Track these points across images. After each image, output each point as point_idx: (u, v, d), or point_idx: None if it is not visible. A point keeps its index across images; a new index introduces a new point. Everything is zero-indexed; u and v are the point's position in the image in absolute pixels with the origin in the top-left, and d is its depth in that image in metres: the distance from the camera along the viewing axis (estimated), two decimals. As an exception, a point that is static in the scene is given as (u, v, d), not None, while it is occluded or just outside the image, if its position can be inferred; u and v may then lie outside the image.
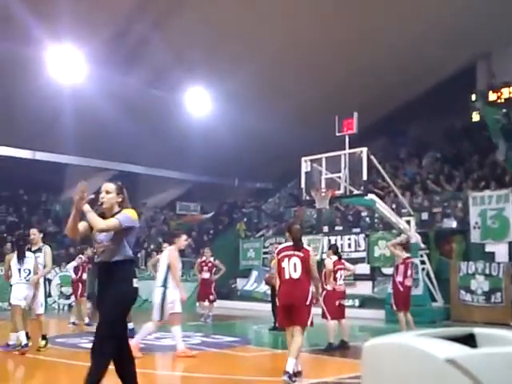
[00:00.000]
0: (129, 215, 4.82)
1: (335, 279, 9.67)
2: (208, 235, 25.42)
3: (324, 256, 18.61)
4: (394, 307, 10.71)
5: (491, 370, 2.05)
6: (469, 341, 2.35)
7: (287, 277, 6.80)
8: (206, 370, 7.62)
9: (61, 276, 18.37)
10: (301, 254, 6.87)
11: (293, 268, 6.80)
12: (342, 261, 10.13)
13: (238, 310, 18.77)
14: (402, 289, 10.67)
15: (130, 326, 10.45)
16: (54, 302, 18.15)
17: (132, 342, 8.34)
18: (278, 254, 7.02)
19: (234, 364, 8.35)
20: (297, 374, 6.63)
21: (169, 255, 8.75)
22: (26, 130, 18.88)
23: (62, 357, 8.58)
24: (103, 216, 4.80)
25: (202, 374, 7.33)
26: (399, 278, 10.70)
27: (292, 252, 6.88)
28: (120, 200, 4.97)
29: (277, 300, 6.91)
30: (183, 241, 8.78)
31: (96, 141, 20.41)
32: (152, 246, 22.04)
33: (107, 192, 4.91)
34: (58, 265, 18.62)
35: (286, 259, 6.85)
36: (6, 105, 17.73)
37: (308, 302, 6.77)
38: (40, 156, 21.84)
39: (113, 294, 4.66)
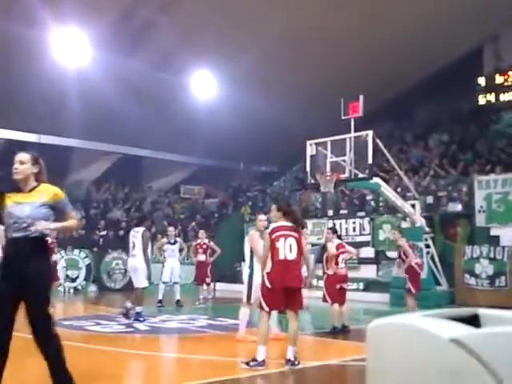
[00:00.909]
0: (66, 198, 4.68)
1: (337, 263, 9.56)
2: (213, 219, 25.46)
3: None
4: (413, 290, 10.85)
5: (495, 350, 2.05)
6: (473, 321, 2.36)
7: (282, 258, 6.48)
8: (212, 353, 7.66)
9: (66, 259, 18.47)
10: (296, 235, 6.62)
11: (288, 249, 6.51)
12: (344, 243, 10.09)
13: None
14: (419, 270, 11.17)
15: (139, 309, 10.54)
16: (60, 285, 18.24)
17: (239, 335, 8.45)
18: (271, 233, 6.61)
19: (238, 346, 8.39)
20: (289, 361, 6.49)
21: (250, 239, 8.74)
22: (31, 113, 18.86)
23: (68, 339, 8.63)
24: (19, 190, 4.52)
25: (207, 357, 7.36)
26: (416, 261, 11.09)
27: (288, 232, 6.58)
28: (36, 171, 4.66)
29: (266, 282, 6.47)
30: (259, 221, 8.79)
31: (101, 124, 20.40)
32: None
33: (21, 162, 4.59)
34: (64, 248, 18.73)
35: (282, 239, 6.52)
36: (11, 88, 17.71)
37: (302, 285, 6.65)
38: (45, 139, 21.83)
39: (37, 272, 4.35)
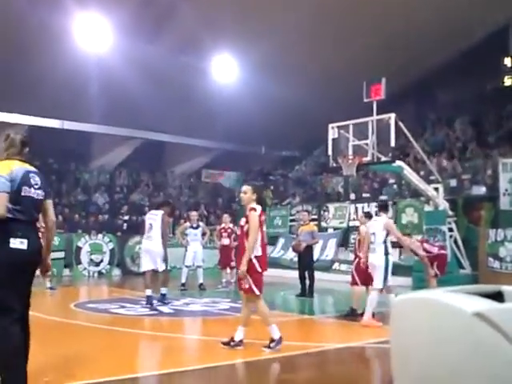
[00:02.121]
0: None
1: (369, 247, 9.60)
2: (234, 203, 25.53)
3: (351, 223, 18.67)
4: (439, 273, 11.13)
5: (519, 324, 2.06)
6: (497, 298, 2.36)
7: (265, 241, 6.64)
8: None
9: (91, 244, 18.69)
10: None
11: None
12: None
13: (264, 276, 18.88)
14: (445, 251, 11.72)
15: (164, 291, 10.65)
16: (85, 269, 18.50)
17: (364, 320, 8.52)
18: (260, 216, 6.56)
19: (260, 329, 8.45)
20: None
21: (386, 223, 8.83)
22: (54, 99, 18.99)
23: (93, 321, 8.78)
24: None
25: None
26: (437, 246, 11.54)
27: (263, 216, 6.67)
28: None
29: (257, 266, 6.44)
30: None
31: (123, 110, 20.49)
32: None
33: None
34: (88, 233, 18.96)
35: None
36: (34, 74, 17.84)
37: None
38: (68, 125, 22.00)
39: None
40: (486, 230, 14.65)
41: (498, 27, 21.16)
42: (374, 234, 8.87)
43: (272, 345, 6.35)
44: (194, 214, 14.69)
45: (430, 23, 19.20)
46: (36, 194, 4.38)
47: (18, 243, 4.17)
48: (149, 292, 10.32)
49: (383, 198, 18.66)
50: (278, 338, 6.35)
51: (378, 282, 8.59)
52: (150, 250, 10.57)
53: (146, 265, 10.60)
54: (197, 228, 14.22)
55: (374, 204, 18.15)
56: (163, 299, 10.59)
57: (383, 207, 9.63)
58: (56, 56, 17.28)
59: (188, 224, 14.28)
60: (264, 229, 6.54)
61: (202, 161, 27.45)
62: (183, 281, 13.70)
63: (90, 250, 18.69)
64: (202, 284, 13.92)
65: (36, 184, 4.39)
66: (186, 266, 13.99)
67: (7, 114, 20.23)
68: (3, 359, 4.14)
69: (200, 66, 20.33)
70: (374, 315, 8.65)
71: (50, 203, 4.57)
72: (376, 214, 10.08)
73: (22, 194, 4.28)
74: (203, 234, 14.52)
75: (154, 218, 10.67)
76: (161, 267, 10.50)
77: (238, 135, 24.31)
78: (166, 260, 10.60)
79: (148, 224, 10.71)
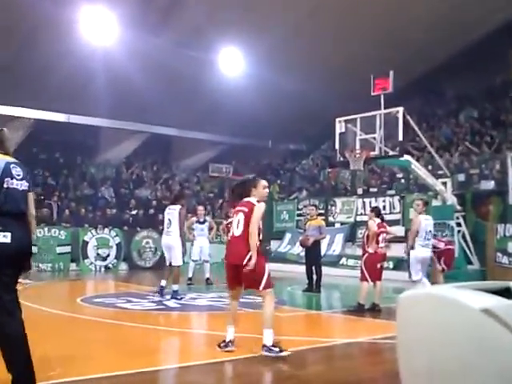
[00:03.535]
0: None
1: (377, 242, 9.63)
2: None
3: (358, 218, 18.60)
4: (446, 268, 11.09)
5: (526, 320, 2.05)
6: (505, 294, 2.36)
7: (230, 234, 6.34)
8: (241, 330, 7.68)
9: (97, 238, 18.69)
10: (246, 210, 6.12)
11: (236, 225, 6.17)
12: (384, 224, 10.09)
13: (271, 271, 18.80)
14: (452, 247, 11.81)
15: (175, 287, 10.65)
16: (91, 263, 18.50)
17: None
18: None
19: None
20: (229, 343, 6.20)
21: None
22: (60, 93, 18.96)
23: (100, 316, 8.76)
24: None
25: (236, 334, 7.37)
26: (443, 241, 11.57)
27: (240, 207, 6.23)
28: None
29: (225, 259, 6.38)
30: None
31: (129, 103, 20.44)
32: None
33: None
34: (95, 227, 18.95)
35: (235, 215, 6.26)
36: (41, 68, 17.82)
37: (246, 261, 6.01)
38: (74, 119, 21.99)
39: None
40: (495, 224, 14.54)
41: (506, 20, 20.95)
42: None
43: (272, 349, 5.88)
44: (200, 209, 14.66)
45: (438, 17, 19.04)
46: (19, 185, 4.29)
47: (0, 237, 4.06)
48: (163, 283, 10.70)
49: (391, 192, 18.57)
50: (269, 345, 5.90)
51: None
52: (169, 245, 10.75)
53: (174, 260, 10.82)
54: (203, 223, 14.20)
55: (382, 199, 18.12)
56: (176, 295, 10.58)
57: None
58: (62, 49, 17.25)
59: (195, 219, 14.25)
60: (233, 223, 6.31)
61: (209, 155, 27.40)
62: (190, 275, 13.69)
63: (97, 245, 18.69)
64: (208, 279, 13.91)
65: (18, 175, 4.31)
66: (193, 261, 13.99)
67: (13, 108, 20.23)
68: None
69: (207, 60, 20.23)
70: None
71: (31, 196, 4.47)
72: None
73: (5, 186, 4.20)
74: (210, 229, 14.49)
75: (172, 213, 10.77)
76: (177, 262, 10.65)
77: (245, 129, 24.23)
78: (183, 254, 10.75)
79: (167, 220, 10.86)
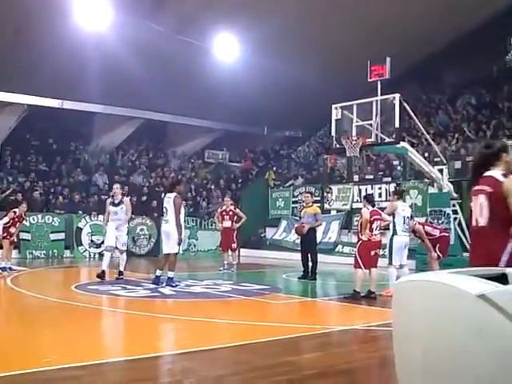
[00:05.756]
0: None
1: (371, 229, 9.60)
2: (236, 184, 25.41)
3: (354, 205, 18.54)
4: (441, 256, 11.30)
5: (522, 305, 2.03)
6: (501, 280, 2.35)
7: None
8: (237, 317, 7.64)
9: (91, 225, 18.59)
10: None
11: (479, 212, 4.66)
12: (379, 211, 10.03)
13: (267, 258, 18.87)
14: (447, 234, 12.05)
15: (171, 274, 10.56)
16: (85, 250, 18.40)
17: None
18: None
19: (263, 311, 8.36)
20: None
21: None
22: (53, 78, 18.73)
23: (94, 303, 8.69)
24: None
25: (231, 321, 7.35)
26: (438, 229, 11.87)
27: None
28: None
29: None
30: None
31: (123, 89, 20.24)
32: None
33: None
34: (89, 214, 18.83)
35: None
36: (34, 54, 17.61)
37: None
38: (68, 105, 21.77)
39: None
40: (491, 212, 14.49)
41: (504, 7, 20.82)
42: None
43: None
44: (115, 187, 12.64)
45: (436, 2, 18.90)
46: None
47: None
48: (158, 272, 10.66)
49: (387, 179, 18.51)
50: None
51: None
52: (167, 233, 10.73)
53: (165, 248, 10.88)
54: (118, 205, 12.10)
55: (378, 186, 18.06)
56: (171, 282, 10.51)
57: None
58: (55, 35, 17.02)
59: (109, 200, 12.46)
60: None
61: (204, 141, 27.24)
62: (121, 268, 12.02)
63: (91, 232, 18.59)
64: (121, 272, 11.98)
65: None
66: (107, 250, 12.33)
67: (6, 94, 20.02)
68: None
69: (202, 46, 20.03)
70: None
71: None
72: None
73: None
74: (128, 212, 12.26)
75: (169, 201, 10.72)
76: (173, 249, 10.60)
77: (241, 115, 24.09)
78: (179, 243, 10.67)
79: (164, 208, 10.83)
